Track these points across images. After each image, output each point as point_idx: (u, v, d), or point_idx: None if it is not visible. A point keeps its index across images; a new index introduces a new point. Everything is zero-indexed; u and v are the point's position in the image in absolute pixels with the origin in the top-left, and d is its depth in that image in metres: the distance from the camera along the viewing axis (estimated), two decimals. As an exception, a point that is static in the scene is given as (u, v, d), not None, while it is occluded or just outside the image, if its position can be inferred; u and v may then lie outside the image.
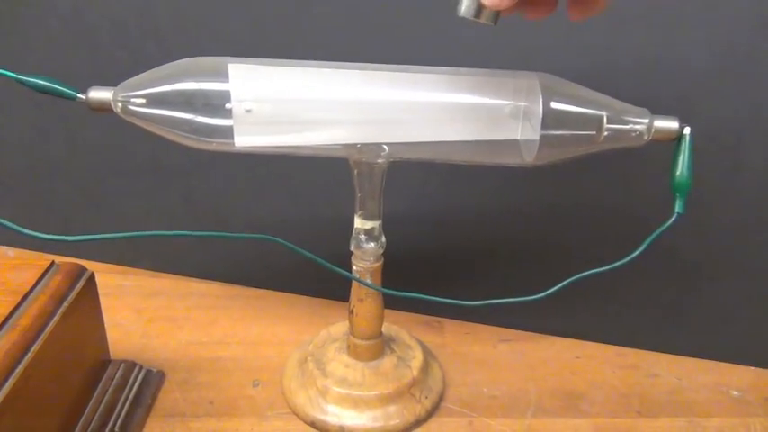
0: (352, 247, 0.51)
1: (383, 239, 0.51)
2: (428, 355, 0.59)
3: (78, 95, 0.43)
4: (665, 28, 0.52)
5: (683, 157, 0.43)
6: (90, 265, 0.72)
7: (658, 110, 0.44)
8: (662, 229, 0.43)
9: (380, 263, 0.51)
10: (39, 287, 0.45)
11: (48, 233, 0.40)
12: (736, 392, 0.59)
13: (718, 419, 0.56)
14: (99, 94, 0.43)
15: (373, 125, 0.44)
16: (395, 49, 0.57)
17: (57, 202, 0.74)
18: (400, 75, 0.44)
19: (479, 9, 0.36)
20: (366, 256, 0.51)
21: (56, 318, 0.43)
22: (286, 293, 0.71)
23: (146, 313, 0.67)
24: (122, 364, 0.55)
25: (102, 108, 0.43)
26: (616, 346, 0.65)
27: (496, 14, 0.37)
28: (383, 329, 0.56)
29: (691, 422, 0.56)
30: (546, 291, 0.45)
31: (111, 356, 0.55)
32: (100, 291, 0.52)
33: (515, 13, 0.39)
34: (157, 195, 0.71)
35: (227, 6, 0.59)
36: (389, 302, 0.54)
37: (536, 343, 0.65)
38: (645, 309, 0.64)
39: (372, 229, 0.50)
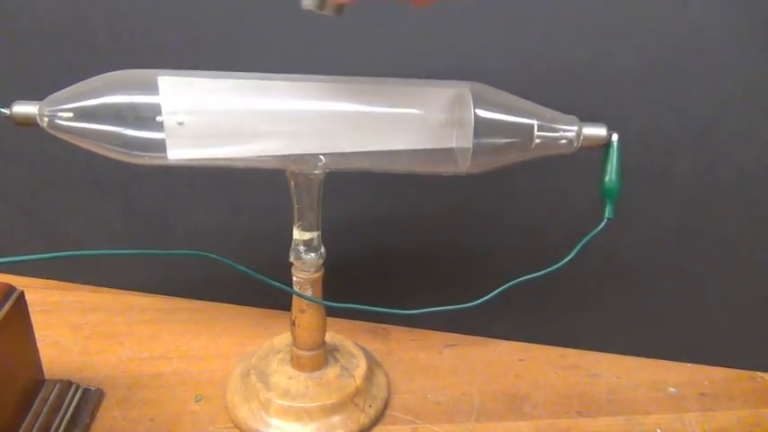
0: (291, 258, 0.50)
1: (323, 250, 0.50)
2: (373, 363, 0.60)
3: (2, 110, 0.42)
4: (595, 35, 0.54)
5: (612, 163, 0.44)
6: (25, 281, 0.71)
7: (590, 116, 0.45)
8: (592, 234, 0.44)
9: (321, 273, 0.51)
10: (-37, 308, 0.44)
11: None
12: (672, 389, 0.61)
13: (656, 416, 0.58)
14: (24, 108, 0.42)
15: (308, 136, 0.44)
16: (331, 59, 0.57)
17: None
18: (335, 86, 0.44)
19: (323, 1, 0.36)
20: (306, 267, 0.50)
21: (-19, 340, 0.42)
22: (229, 305, 0.71)
23: (84, 330, 0.65)
24: (58, 384, 0.53)
25: (28, 123, 0.42)
26: (559, 348, 0.66)
27: (340, 6, 0.36)
28: (327, 339, 0.56)
29: (629, 420, 0.57)
30: (482, 297, 0.46)
31: (47, 376, 0.54)
32: (35, 308, 0.50)
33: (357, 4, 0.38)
34: (95, 208, 0.69)
35: (162, 17, 0.58)
36: (333, 311, 0.54)
37: (481, 347, 0.66)
38: (585, 310, 0.65)
39: (311, 239, 0.50)
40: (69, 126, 0.41)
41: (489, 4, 0.54)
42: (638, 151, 0.56)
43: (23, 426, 0.48)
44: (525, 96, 0.45)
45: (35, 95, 0.42)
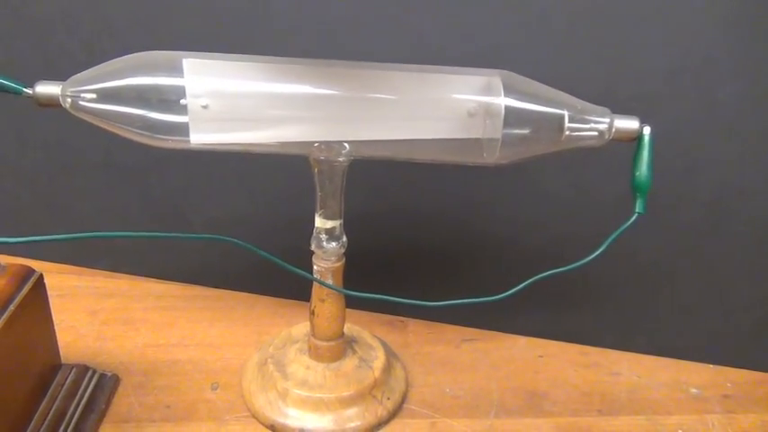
0: (312, 247, 0.50)
1: (344, 239, 0.50)
2: (391, 355, 0.59)
3: (25, 90, 0.41)
4: (626, 28, 0.52)
5: (643, 157, 0.43)
6: (43, 265, 0.71)
7: (616, 109, 0.44)
8: (622, 229, 0.43)
9: (342, 262, 0.50)
10: (-18, 290, 0.44)
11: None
12: (694, 390, 0.60)
13: (677, 417, 0.57)
14: (47, 88, 0.41)
15: (333, 122, 0.43)
16: (359, 45, 0.56)
17: (6, 201, 0.72)
18: (362, 71, 0.44)
19: None
20: (327, 256, 0.50)
21: (0, 322, 0.41)
22: (246, 293, 0.70)
23: (101, 315, 0.65)
24: (74, 369, 0.53)
25: (51, 103, 0.41)
26: (579, 345, 0.65)
27: None
28: (345, 330, 0.55)
29: (650, 420, 0.56)
30: (508, 291, 0.45)
31: (63, 360, 0.53)
32: (52, 292, 0.50)
33: None
34: (113, 193, 0.69)
35: (185, 1, 0.58)
36: (352, 302, 0.53)
37: (499, 342, 0.65)
38: (607, 307, 0.64)
39: (333, 228, 0.49)
40: (92, 107, 0.41)
41: (519, -8, 0.53)
42: (664, 147, 0.54)
43: (39, 410, 0.48)
44: (553, 86, 0.44)
45: (56, 77, 0.42)
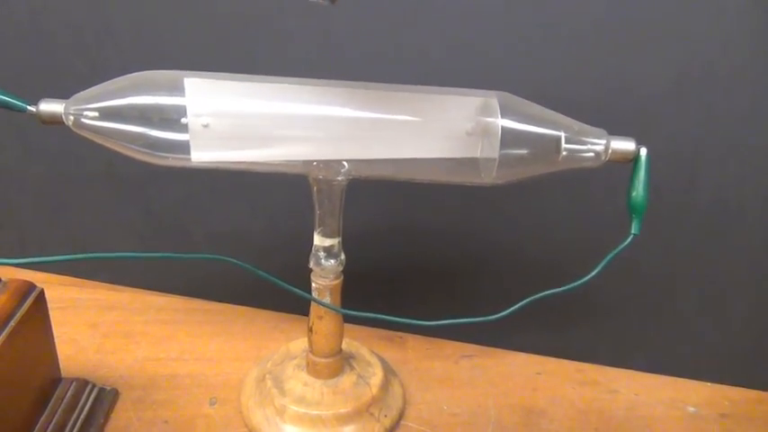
0: (311, 264, 0.50)
1: (342, 257, 0.50)
2: (389, 371, 0.59)
3: (29, 108, 0.42)
4: (624, 48, 0.53)
5: (640, 178, 0.43)
6: (44, 277, 0.71)
7: (614, 129, 0.44)
8: (618, 250, 0.43)
9: (340, 280, 0.51)
10: (-17, 306, 0.44)
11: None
12: (692, 408, 0.60)
13: (675, 436, 0.57)
14: (50, 106, 0.42)
15: (332, 142, 0.44)
16: (358, 65, 0.57)
17: (11, 213, 0.72)
18: (360, 92, 0.44)
19: None
20: (325, 274, 0.50)
21: (1, 338, 0.42)
22: (246, 307, 0.70)
23: (101, 328, 0.65)
24: (74, 383, 0.53)
25: (54, 121, 0.42)
26: (577, 362, 0.65)
27: None
28: (343, 346, 0.55)
29: (648, 439, 0.56)
30: (506, 309, 0.45)
31: (63, 374, 0.54)
32: (54, 304, 0.50)
33: None
34: (115, 206, 0.69)
35: (188, 18, 0.58)
36: (350, 317, 0.53)
37: (498, 359, 0.65)
38: (605, 325, 0.64)
39: (332, 246, 0.49)
40: (94, 125, 0.41)
41: (517, 15, 0.53)
42: (662, 165, 0.55)
43: (39, 424, 0.48)
44: (551, 108, 0.45)
45: (60, 94, 0.42)
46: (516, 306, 0.44)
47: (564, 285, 0.44)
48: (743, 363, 0.63)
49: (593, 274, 0.43)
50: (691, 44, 0.52)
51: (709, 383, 0.63)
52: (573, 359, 0.65)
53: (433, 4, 0.54)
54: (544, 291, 0.45)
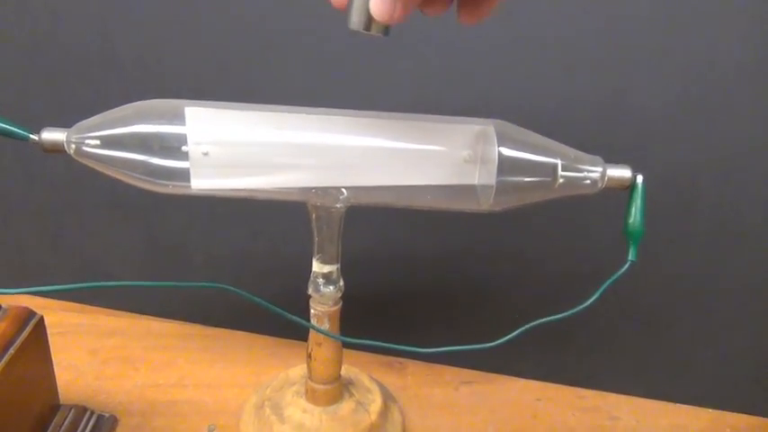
0: (310, 291, 0.50)
1: (341, 283, 0.50)
2: (388, 398, 0.59)
3: (31, 136, 0.42)
4: (619, 75, 0.53)
5: (636, 205, 0.44)
6: (44, 302, 0.71)
7: (611, 154, 0.45)
8: (615, 277, 0.43)
9: (338, 306, 0.51)
10: (-17, 333, 0.44)
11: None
12: (693, 435, 0.60)
13: (676, 463, 0.56)
14: (52, 135, 0.42)
15: (331, 169, 0.44)
16: (355, 94, 0.57)
17: (12, 238, 0.73)
18: (358, 120, 0.45)
19: (369, 21, 0.34)
20: (324, 300, 0.50)
21: (0, 365, 0.42)
22: (245, 333, 0.70)
23: (100, 354, 0.65)
24: (72, 409, 0.53)
25: (56, 149, 0.42)
26: (577, 388, 0.65)
27: (387, 26, 0.35)
28: (342, 372, 0.55)
29: (649, 466, 0.56)
30: (505, 336, 0.45)
31: (62, 401, 0.54)
32: (53, 330, 0.50)
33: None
34: (116, 232, 0.70)
35: (188, 48, 0.59)
36: (349, 344, 0.53)
37: (498, 385, 0.65)
38: (605, 351, 0.64)
39: (330, 273, 0.49)
40: (96, 153, 0.42)
41: (511, 41, 0.54)
42: (660, 190, 0.55)
43: (37, 451, 0.48)
44: (546, 135, 0.45)
45: (61, 122, 0.43)
46: (515, 332, 0.44)
47: (563, 311, 0.44)
48: (744, 389, 0.63)
49: (592, 300, 0.43)
50: (686, 70, 0.52)
51: (710, 410, 0.63)
52: (573, 385, 0.65)
53: (430, 33, 0.54)
54: (543, 317, 0.45)
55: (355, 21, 0.35)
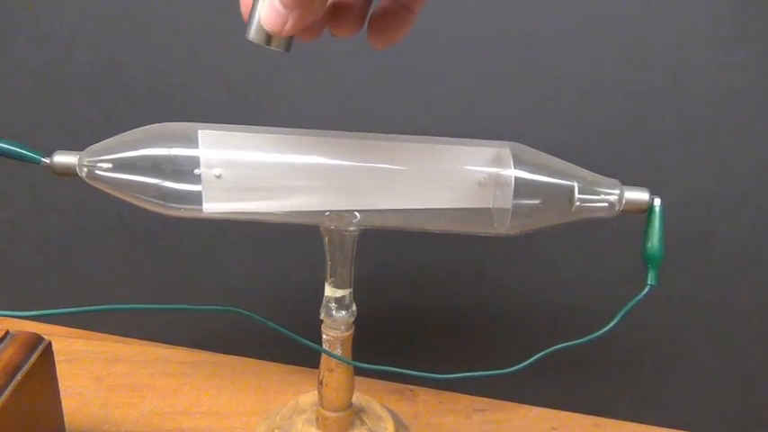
0: (322, 316, 0.49)
1: (354, 308, 0.49)
2: (400, 426, 0.57)
3: (43, 160, 0.42)
4: (635, 98, 0.53)
5: (654, 229, 0.43)
6: (51, 329, 0.70)
7: (627, 179, 0.44)
8: (634, 301, 0.42)
9: (351, 332, 0.50)
10: (-10, 359, 0.43)
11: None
12: (713, 465, 0.58)
13: (697, 494, 0.55)
14: (64, 158, 0.42)
15: (344, 192, 0.44)
16: (371, 116, 0.57)
17: (20, 264, 0.72)
18: (372, 142, 0.44)
19: (268, 35, 0.33)
20: (336, 325, 0.49)
21: (7, 392, 0.41)
22: (254, 360, 0.69)
23: (107, 381, 0.64)
24: (78, 438, 0.52)
25: (68, 173, 0.42)
26: (592, 416, 0.64)
27: (288, 40, 0.34)
28: (354, 400, 0.54)
29: (669, 498, 0.54)
30: (520, 364, 0.44)
31: (67, 429, 0.52)
32: (60, 357, 0.50)
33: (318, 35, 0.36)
34: (124, 257, 0.69)
35: (200, 71, 0.59)
36: (361, 370, 0.52)
37: (511, 413, 0.64)
38: (621, 378, 0.63)
39: (343, 297, 0.49)
40: (108, 177, 0.41)
41: (527, 64, 0.54)
42: (676, 216, 0.54)
43: (42, 481, 0.47)
44: (562, 157, 0.45)
45: (72, 145, 0.43)
46: (532, 359, 0.43)
47: (580, 338, 0.43)
48: (764, 418, 0.61)
49: (611, 326, 0.42)
50: (701, 90, 0.52)
51: (729, 439, 0.62)
52: (589, 413, 0.64)
53: (444, 55, 0.54)
54: (559, 343, 0.44)
55: (254, 32, 0.33)
